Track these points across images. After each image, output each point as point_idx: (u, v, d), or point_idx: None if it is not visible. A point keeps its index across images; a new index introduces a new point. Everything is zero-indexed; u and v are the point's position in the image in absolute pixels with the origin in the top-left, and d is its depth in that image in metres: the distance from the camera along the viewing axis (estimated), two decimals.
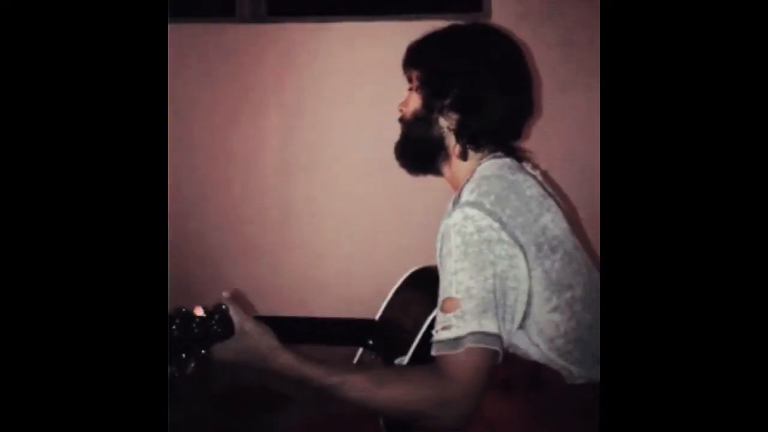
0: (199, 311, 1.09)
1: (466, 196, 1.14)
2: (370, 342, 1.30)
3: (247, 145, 2.70)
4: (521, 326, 1.12)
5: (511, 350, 1.13)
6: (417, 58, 1.30)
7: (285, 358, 1.08)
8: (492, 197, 1.12)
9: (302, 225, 2.74)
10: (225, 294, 1.11)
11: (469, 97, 1.23)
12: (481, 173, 1.19)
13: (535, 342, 1.12)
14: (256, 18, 2.64)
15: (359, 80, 2.63)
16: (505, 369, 1.10)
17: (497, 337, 1.08)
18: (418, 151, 1.29)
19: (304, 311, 2.71)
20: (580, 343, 1.14)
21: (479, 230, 1.09)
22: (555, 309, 1.12)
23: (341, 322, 1.36)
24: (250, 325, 1.09)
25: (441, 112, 1.25)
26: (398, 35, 1.41)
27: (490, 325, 1.08)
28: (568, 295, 1.13)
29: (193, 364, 1.07)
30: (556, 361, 1.13)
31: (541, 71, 2.58)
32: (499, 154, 1.24)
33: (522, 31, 2.57)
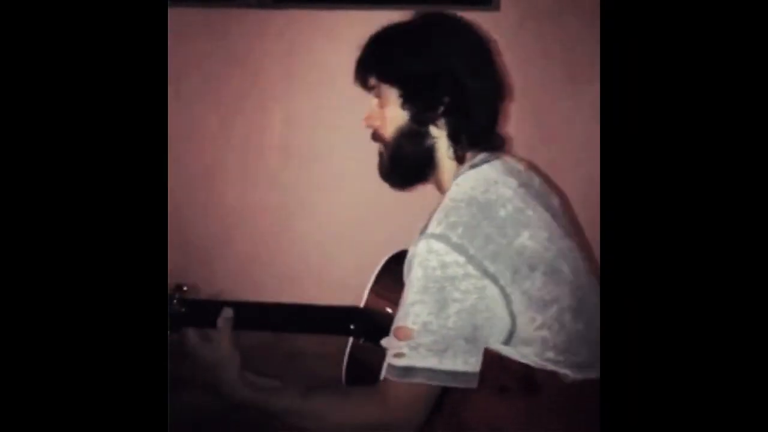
0: None
1: (433, 226, 1.09)
2: (352, 327, 1.27)
3: (250, 133, 2.70)
4: (507, 343, 1.09)
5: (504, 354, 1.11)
6: (386, 67, 1.21)
7: (241, 393, 1.14)
8: (460, 229, 1.07)
9: (304, 213, 2.74)
10: (228, 313, 1.17)
11: (461, 99, 1.17)
12: (452, 195, 1.13)
13: (524, 354, 1.10)
14: (263, 4, 2.63)
15: None
16: (501, 375, 1.09)
17: (463, 374, 1.07)
18: (410, 168, 1.24)
19: (302, 299, 2.70)
20: (571, 352, 1.11)
21: (443, 266, 1.05)
22: (541, 326, 1.09)
23: (322, 308, 1.31)
24: (227, 348, 1.16)
25: (433, 122, 1.19)
26: None
27: (453, 363, 1.06)
28: (554, 309, 1.09)
29: None
30: (549, 367, 1.11)
31: (547, 67, 2.57)
32: (479, 160, 1.19)
33: (529, 28, 2.57)
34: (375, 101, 1.25)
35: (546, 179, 1.32)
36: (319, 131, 2.69)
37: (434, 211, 1.13)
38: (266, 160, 2.72)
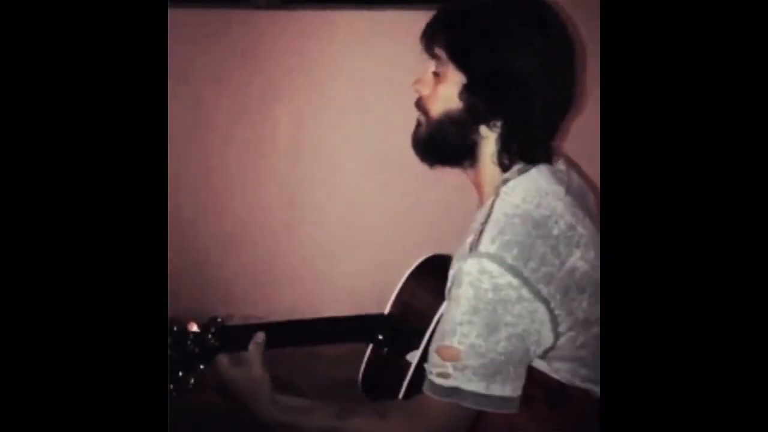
0: (193, 327, 1.11)
1: (486, 244, 1.03)
2: (380, 337, 1.27)
3: (253, 133, 2.69)
4: (542, 357, 1.08)
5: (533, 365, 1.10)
6: (460, 50, 1.09)
7: (273, 415, 1.13)
8: (515, 250, 1.02)
9: (309, 216, 2.74)
10: (260, 338, 1.15)
11: (526, 109, 1.08)
12: (504, 208, 1.07)
13: (557, 369, 1.09)
14: (271, 5, 2.62)
15: (375, 72, 2.60)
16: (528, 385, 1.07)
17: (510, 399, 1.05)
18: (447, 153, 1.16)
19: (310, 304, 2.70)
20: None
21: (496, 289, 1.01)
22: (582, 346, 1.08)
23: (349, 319, 1.31)
24: (259, 372, 1.14)
25: (486, 123, 1.11)
26: (419, 26, 1.33)
27: (501, 390, 1.04)
28: (596, 329, 1.08)
29: (192, 380, 1.10)
30: (580, 384, 1.10)
31: None
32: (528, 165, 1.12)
33: None
34: (432, 70, 1.15)
35: (579, 171, 1.27)
36: (324, 131, 2.69)
37: (485, 222, 1.06)
38: (269, 160, 2.72)
